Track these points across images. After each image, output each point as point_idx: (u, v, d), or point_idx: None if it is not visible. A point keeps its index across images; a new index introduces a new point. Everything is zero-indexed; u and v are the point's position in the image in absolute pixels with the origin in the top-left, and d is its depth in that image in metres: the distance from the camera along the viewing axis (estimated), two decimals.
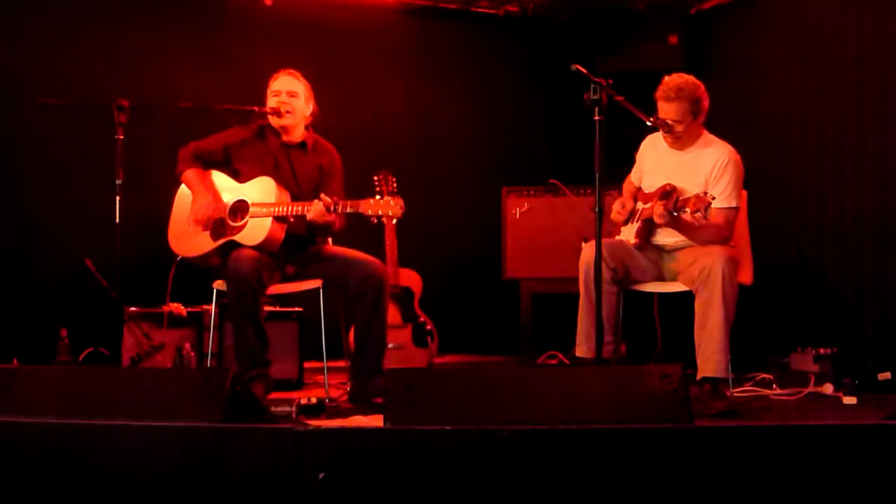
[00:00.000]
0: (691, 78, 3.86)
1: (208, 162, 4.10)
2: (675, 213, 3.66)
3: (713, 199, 3.60)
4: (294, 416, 3.51)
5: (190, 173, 4.05)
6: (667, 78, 3.87)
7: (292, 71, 4.12)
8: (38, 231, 4.94)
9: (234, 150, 4.10)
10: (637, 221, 3.97)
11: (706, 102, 3.88)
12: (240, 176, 4.07)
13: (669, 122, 3.82)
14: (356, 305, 3.96)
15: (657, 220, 3.75)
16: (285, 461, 2.11)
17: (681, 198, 3.68)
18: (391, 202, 3.71)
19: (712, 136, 3.95)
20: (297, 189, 4.05)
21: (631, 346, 4.71)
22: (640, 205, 4.03)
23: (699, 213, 3.54)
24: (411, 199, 3.90)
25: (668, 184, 3.82)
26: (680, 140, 3.90)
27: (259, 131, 4.14)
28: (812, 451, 2.06)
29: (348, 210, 3.78)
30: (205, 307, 4.48)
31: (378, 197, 3.79)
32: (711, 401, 3.63)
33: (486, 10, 6.19)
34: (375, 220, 3.78)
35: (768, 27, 5.46)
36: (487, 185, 5.89)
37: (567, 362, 4.86)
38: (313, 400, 3.65)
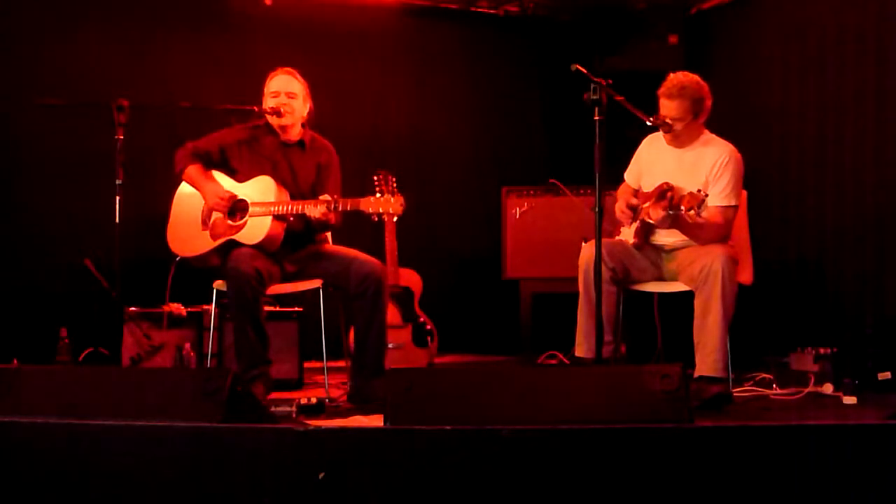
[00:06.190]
0: (696, 77, 3.86)
1: (206, 161, 4.10)
2: (672, 213, 3.66)
3: (706, 195, 3.62)
4: (294, 416, 3.51)
5: (191, 169, 4.05)
6: (671, 75, 3.87)
7: (290, 70, 4.11)
8: (38, 231, 4.94)
9: (231, 150, 4.10)
10: (636, 221, 3.98)
11: (709, 103, 3.88)
12: (237, 175, 4.07)
13: (669, 119, 3.83)
14: (356, 304, 3.96)
15: (655, 223, 3.75)
16: (285, 461, 2.11)
17: (676, 196, 3.69)
18: (391, 200, 3.72)
19: (713, 135, 3.95)
20: (296, 188, 4.06)
21: (631, 346, 4.71)
22: (640, 204, 4.03)
23: (693, 211, 3.55)
24: (411, 199, 3.91)
25: (665, 182, 3.82)
26: (679, 138, 3.90)
27: (256, 131, 4.14)
28: (812, 451, 2.06)
29: (349, 208, 3.78)
30: (205, 307, 4.48)
31: (378, 195, 3.79)
32: (706, 385, 3.62)
33: (486, 10, 6.19)
34: (376, 218, 3.79)
35: (768, 27, 5.46)
36: (487, 185, 5.90)
37: (567, 362, 4.86)
38: (313, 400, 3.65)
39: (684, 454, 2.09)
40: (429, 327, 4.98)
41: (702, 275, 3.68)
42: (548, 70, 6.12)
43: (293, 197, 3.99)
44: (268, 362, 3.93)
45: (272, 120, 4.07)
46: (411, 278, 5.02)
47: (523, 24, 6.25)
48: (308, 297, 4.16)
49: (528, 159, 6.22)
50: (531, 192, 5.51)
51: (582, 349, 3.88)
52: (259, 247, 3.89)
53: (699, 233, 3.81)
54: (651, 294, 4.19)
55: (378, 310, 3.94)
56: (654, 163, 4.03)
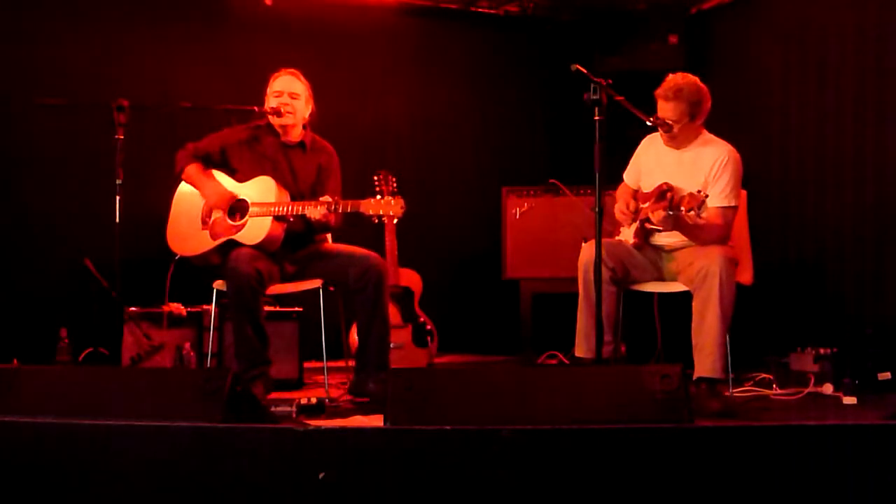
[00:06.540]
0: (693, 79, 3.85)
1: (206, 162, 4.11)
2: (672, 213, 3.66)
3: (706, 196, 3.62)
4: (294, 416, 3.52)
5: (191, 168, 4.06)
6: (670, 76, 3.87)
7: (293, 71, 4.12)
8: (38, 231, 4.93)
9: (232, 150, 4.10)
10: (636, 221, 3.97)
11: (707, 104, 3.87)
12: (238, 175, 4.07)
13: (668, 121, 3.83)
14: (357, 299, 3.97)
15: (656, 224, 3.75)
16: (285, 461, 2.11)
17: (676, 197, 3.68)
18: (392, 202, 3.72)
19: (711, 136, 3.95)
20: (296, 188, 4.06)
21: (631, 346, 4.71)
22: (640, 205, 4.03)
23: (693, 212, 3.55)
24: (411, 199, 3.91)
25: (665, 183, 3.82)
26: (676, 140, 3.90)
27: (257, 131, 4.14)
28: (812, 451, 2.06)
29: (349, 210, 3.78)
30: (205, 307, 4.48)
31: (378, 197, 3.79)
32: (706, 401, 3.62)
33: (486, 10, 6.19)
34: (376, 220, 3.79)
35: (768, 27, 5.45)
36: (487, 185, 5.90)
37: (567, 362, 4.86)
38: (313, 400, 3.65)
39: (684, 454, 2.09)
40: (429, 327, 4.98)
41: (699, 276, 3.67)
42: (548, 70, 6.11)
43: (293, 198, 3.99)
44: (268, 362, 3.93)
45: (273, 120, 4.07)
46: (411, 278, 5.02)
47: (523, 24, 6.25)
48: (308, 297, 4.16)
49: (528, 159, 6.22)
50: (531, 192, 5.51)
51: (582, 349, 3.88)
52: (259, 247, 3.89)
53: (699, 234, 3.80)
54: (651, 294, 4.19)
55: (380, 304, 3.94)
56: (653, 163, 4.03)
